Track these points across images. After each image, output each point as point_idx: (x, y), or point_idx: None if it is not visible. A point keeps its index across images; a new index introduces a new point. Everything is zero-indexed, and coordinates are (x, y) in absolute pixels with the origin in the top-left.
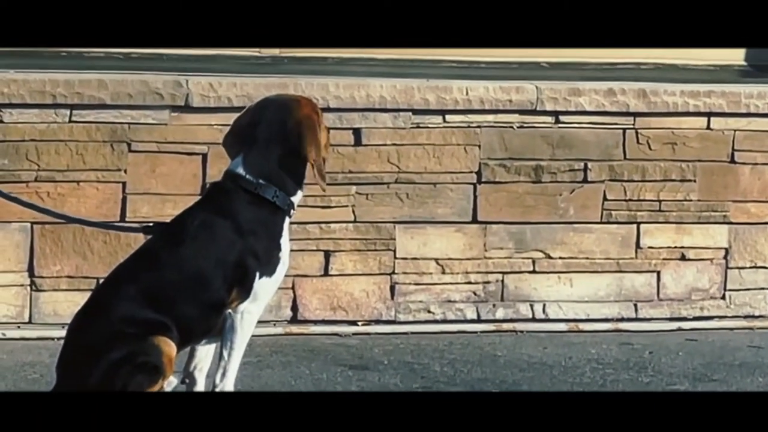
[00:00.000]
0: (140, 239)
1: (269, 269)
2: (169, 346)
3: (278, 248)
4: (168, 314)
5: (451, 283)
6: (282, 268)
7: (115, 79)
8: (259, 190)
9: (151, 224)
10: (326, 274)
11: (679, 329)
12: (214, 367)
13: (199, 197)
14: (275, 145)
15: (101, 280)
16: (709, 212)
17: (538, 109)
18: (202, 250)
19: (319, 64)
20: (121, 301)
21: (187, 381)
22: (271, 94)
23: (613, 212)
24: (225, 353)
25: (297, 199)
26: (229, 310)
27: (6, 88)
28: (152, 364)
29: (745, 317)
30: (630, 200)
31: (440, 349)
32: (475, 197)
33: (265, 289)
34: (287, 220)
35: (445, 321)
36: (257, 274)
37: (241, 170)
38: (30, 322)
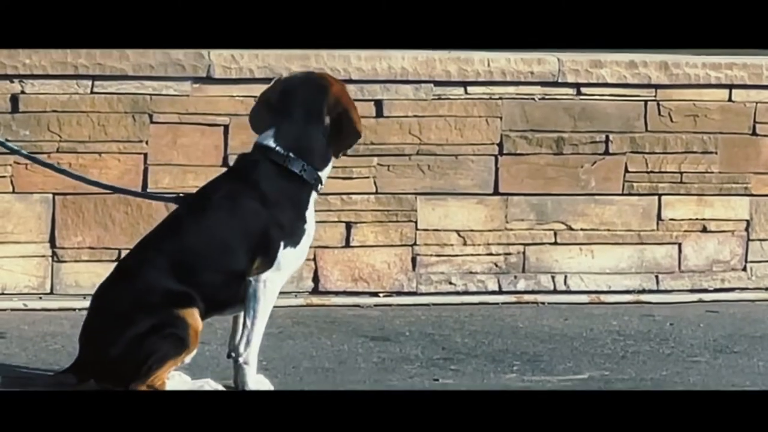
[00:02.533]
0: (162, 211)
1: (293, 240)
2: (194, 319)
3: (303, 220)
4: (192, 283)
5: (472, 255)
6: (306, 240)
7: (136, 51)
8: (288, 162)
9: (182, 194)
10: (347, 245)
11: (701, 301)
12: (238, 337)
13: (222, 168)
14: (310, 121)
15: (123, 251)
16: (730, 184)
17: (559, 81)
18: (227, 219)
19: None
20: (148, 271)
21: (233, 354)
22: (298, 71)
23: (634, 184)
24: (248, 322)
25: (325, 174)
26: (252, 278)
27: (28, 59)
28: (178, 335)
29: (766, 289)
30: (651, 172)
31: (461, 320)
32: (497, 169)
33: (289, 259)
34: (314, 194)
35: (466, 292)
36: (281, 245)
37: (271, 143)
38: (51, 293)
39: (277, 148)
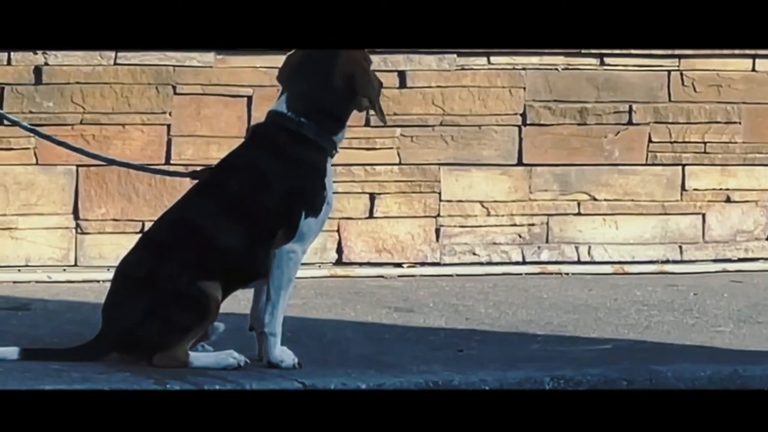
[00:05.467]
0: (186, 182)
1: (315, 209)
2: (216, 290)
3: (322, 187)
4: (215, 256)
5: (496, 225)
6: (327, 209)
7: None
8: (301, 128)
9: (198, 169)
10: (371, 216)
11: (724, 271)
12: (262, 308)
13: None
14: (320, 84)
15: (147, 223)
16: (754, 154)
17: (583, 51)
18: (248, 192)
19: None
20: (171, 243)
21: (255, 326)
22: None
23: (658, 154)
24: (272, 293)
25: (339, 139)
26: (275, 249)
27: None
28: (199, 306)
29: None
30: (675, 142)
31: (485, 291)
32: (520, 139)
33: (311, 228)
34: (329, 159)
35: (490, 263)
36: (303, 214)
37: (283, 108)
38: (75, 264)
39: (290, 113)
